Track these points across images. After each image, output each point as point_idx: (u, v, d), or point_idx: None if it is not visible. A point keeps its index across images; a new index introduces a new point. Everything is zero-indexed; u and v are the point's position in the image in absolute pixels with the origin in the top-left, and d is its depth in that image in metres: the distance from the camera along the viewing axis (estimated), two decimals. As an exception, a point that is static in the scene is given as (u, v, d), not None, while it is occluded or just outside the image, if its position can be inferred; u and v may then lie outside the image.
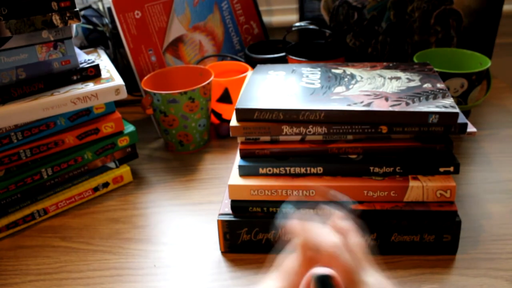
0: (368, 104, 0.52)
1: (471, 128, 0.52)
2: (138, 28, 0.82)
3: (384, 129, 0.52)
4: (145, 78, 0.77)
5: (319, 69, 0.63)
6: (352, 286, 0.33)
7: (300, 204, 0.38)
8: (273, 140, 0.55)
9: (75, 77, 0.64)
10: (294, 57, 0.80)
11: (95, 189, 0.68)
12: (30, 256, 0.58)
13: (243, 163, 0.54)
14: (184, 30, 0.88)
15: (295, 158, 0.54)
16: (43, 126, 0.62)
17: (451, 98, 0.52)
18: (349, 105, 0.52)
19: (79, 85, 0.64)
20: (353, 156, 0.54)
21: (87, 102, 0.63)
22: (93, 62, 0.66)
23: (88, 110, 0.65)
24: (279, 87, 0.58)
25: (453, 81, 0.73)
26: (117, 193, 0.69)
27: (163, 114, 0.74)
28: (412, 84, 0.57)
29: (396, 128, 0.52)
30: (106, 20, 0.92)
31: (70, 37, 0.63)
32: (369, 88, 0.56)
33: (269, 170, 0.54)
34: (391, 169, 0.52)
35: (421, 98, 0.53)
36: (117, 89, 0.65)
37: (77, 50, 0.70)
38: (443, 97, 0.53)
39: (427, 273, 0.51)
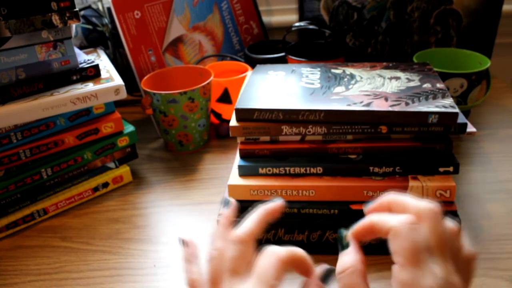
0: (368, 104, 0.52)
1: (470, 128, 0.52)
2: (137, 28, 0.82)
3: (384, 129, 0.52)
4: (145, 78, 0.77)
5: (318, 69, 0.63)
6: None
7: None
8: (272, 140, 0.55)
9: (74, 77, 0.64)
10: (294, 57, 0.80)
11: (95, 189, 0.68)
12: (30, 256, 0.58)
13: (242, 163, 0.54)
14: (184, 30, 0.88)
15: (295, 158, 0.54)
16: (43, 126, 0.62)
17: (451, 98, 0.52)
18: (349, 105, 0.52)
19: (78, 85, 0.64)
20: (353, 156, 0.54)
21: (87, 102, 0.63)
22: (92, 62, 0.66)
23: (88, 110, 0.65)
24: (278, 87, 0.58)
25: (453, 81, 0.73)
26: (117, 193, 0.69)
27: (162, 114, 0.74)
28: (411, 84, 0.57)
29: (395, 128, 0.52)
30: (106, 20, 0.92)
31: (70, 37, 0.63)
32: (368, 88, 0.56)
33: (269, 170, 0.54)
34: (391, 169, 0.52)
35: (421, 98, 0.53)
36: (116, 89, 0.65)
37: (76, 50, 0.70)
38: (443, 97, 0.53)
39: (427, 273, 0.51)
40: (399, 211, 0.33)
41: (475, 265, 0.32)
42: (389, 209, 0.34)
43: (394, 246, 0.30)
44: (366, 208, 0.36)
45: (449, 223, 0.32)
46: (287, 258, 0.33)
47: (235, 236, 0.35)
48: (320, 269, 0.35)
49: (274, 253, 0.33)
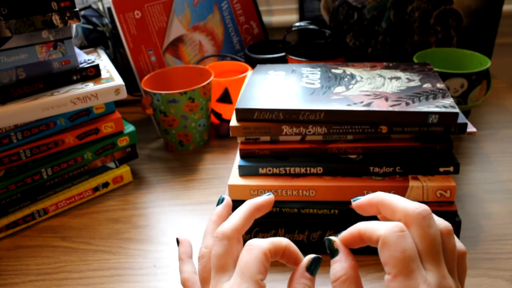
0: (368, 104, 0.52)
1: (471, 128, 0.52)
2: (138, 28, 0.82)
3: (384, 129, 0.52)
4: (145, 78, 0.77)
5: (319, 69, 0.63)
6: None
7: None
8: (273, 140, 0.55)
9: (75, 77, 0.64)
10: (294, 57, 0.80)
11: (95, 189, 0.68)
12: (30, 256, 0.58)
13: (243, 163, 0.54)
14: (184, 30, 0.88)
15: (295, 158, 0.54)
16: (43, 126, 0.62)
17: (451, 98, 0.52)
18: (349, 105, 0.52)
19: (79, 85, 0.64)
20: (353, 156, 0.54)
21: (87, 102, 0.63)
22: (93, 62, 0.66)
23: (88, 110, 0.65)
24: (279, 87, 0.58)
25: (453, 81, 0.73)
26: (117, 193, 0.69)
27: (163, 114, 0.74)
28: (412, 84, 0.57)
29: (396, 128, 0.52)
30: (106, 20, 0.92)
31: (70, 37, 0.63)
32: (369, 88, 0.56)
33: (269, 170, 0.54)
34: (391, 169, 0.52)
35: (421, 98, 0.53)
36: (117, 89, 0.65)
37: (77, 50, 0.70)
38: (443, 97, 0.53)
39: (427, 273, 0.51)
40: (387, 213, 0.33)
41: (465, 261, 0.32)
42: (377, 209, 0.34)
43: (384, 257, 0.30)
44: (355, 202, 0.35)
45: (440, 222, 0.32)
46: (270, 251, 0.32)
47: (219, 232, 0.34)
48: (306, 259, 0.34)
49: (256, 246, 0.32)
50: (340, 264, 0.32)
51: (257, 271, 0.31)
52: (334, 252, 0.32)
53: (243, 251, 0.32)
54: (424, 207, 0.31)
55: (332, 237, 0.33)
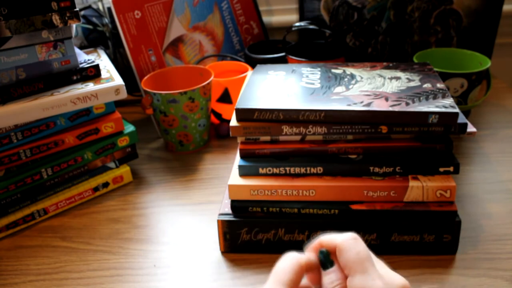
0: (368, 104, 0.52)
1: (471, 128, 0.52)
2: (138, 28, 0.82)
3: (384, 129, 0.52)
4: (145, 78, 0.77)
5: (319, 69, 0.63)
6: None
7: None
8: (273, 140, 0.55)
9: (75, 77, 0.64)
10: (294, 57, 0.80)
11: (95, 189, 0.68)
12: (30, 256, 0.58)
13: (243, 163, 0.54)
14: (184, 30, 0.88)
15: (295, 158, 0.54)
16: (43, 126, 0.62)
17: (451, 98, 0.52)
18: (349, 105, 0.52)
19: (79, 85, 0.64)
20: (353, 156, 0.54)
21: (87, 102, 0.63)
22: (93, 62, 0.66)
23: (88, 110, 0.65)
24: (279, 87, 0.58)
25: (453, 81, 0.73)
26: (117, 193, 0.69)
27: (163, 114, 0.74)
28: (412, 84, 0.57)
29: (396, 128, 0.52)
30: (106, 20, 0.92)
31: (70, 37, 0.63)
32: (369, 88, 0.56)
33: (269, 170, 0.54)
34: (391, 169, 0.52)
35: (421, 98, 0.53)
36: (117, 89, 0.65)
37: (77, 50, 0.70)
38: (443, 97, 0.53)
39: (427, 273, 0.51)
40: (330, 245, 0.36)
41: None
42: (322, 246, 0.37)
43: (343, 260, 0.34)
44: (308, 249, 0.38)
45: None
46: (307, 263, 0.35)
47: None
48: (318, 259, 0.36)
49: (294, 257, 0.35)
50: (335, 274, 0.35)
51: (290, 278, 0.34)
52: (331, 263, 0.36)
53: (281, 259, 0.35)
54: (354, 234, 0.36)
55: (325, 250, 0.36)
